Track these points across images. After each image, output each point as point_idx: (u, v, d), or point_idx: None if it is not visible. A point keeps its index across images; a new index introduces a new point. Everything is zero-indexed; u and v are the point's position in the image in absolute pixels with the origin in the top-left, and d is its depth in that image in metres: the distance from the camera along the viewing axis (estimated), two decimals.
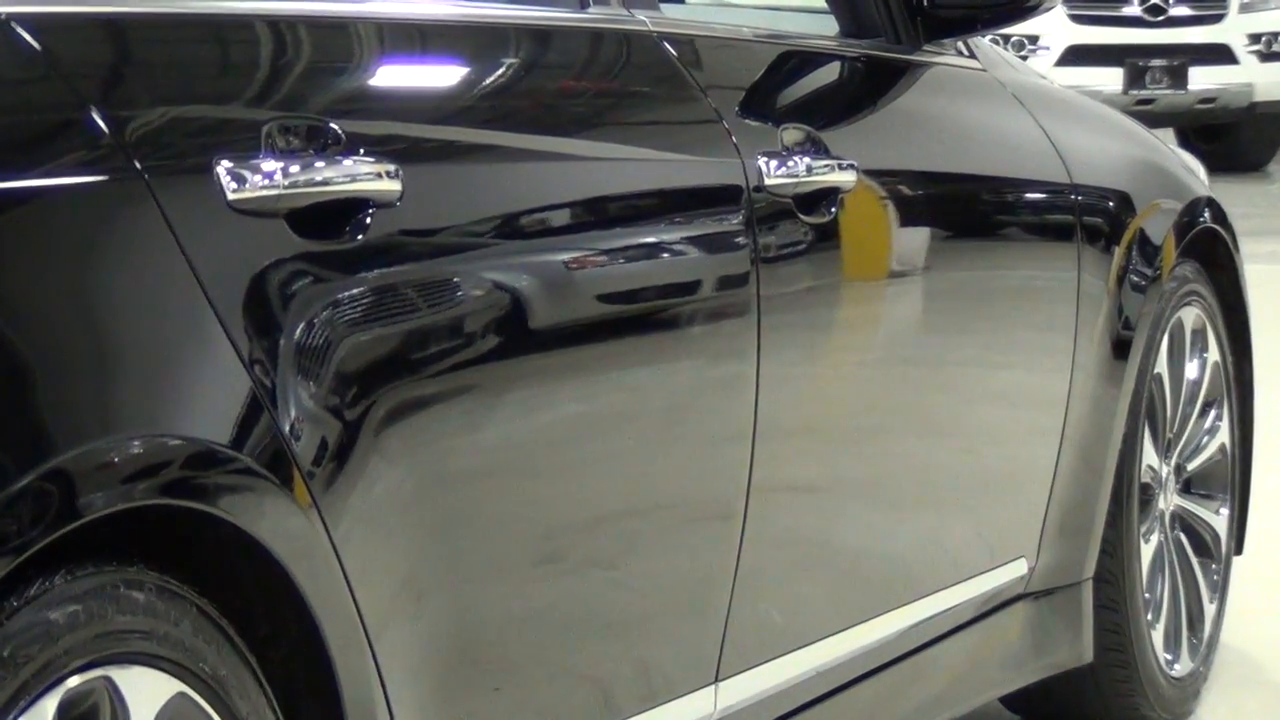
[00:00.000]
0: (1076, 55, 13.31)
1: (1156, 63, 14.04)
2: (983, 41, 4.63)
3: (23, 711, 2.41)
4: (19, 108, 2.64)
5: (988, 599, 4.45)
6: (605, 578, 3.42)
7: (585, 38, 3.65)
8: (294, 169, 2.83)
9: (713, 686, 3.60)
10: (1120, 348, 4.70)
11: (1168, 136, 5.26)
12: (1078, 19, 13.30)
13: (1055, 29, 13.17)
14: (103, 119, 2.65)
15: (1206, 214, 5.02)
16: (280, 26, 3.10)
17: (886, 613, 4.11)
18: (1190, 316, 5.01)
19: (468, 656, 3.09)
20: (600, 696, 3.43)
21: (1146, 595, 4.88)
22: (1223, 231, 5.09)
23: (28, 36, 2.63)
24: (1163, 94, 13.83)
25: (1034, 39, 12.88)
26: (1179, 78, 14.10)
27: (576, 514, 3.34)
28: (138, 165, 2.66)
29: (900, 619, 4.16)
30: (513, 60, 3.52)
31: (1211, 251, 5.07)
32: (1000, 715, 4.98)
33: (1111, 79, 13.44)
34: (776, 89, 4.00)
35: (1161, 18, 14.09)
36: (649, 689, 3.51)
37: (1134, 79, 13.83)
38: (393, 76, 3.27)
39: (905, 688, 4.24)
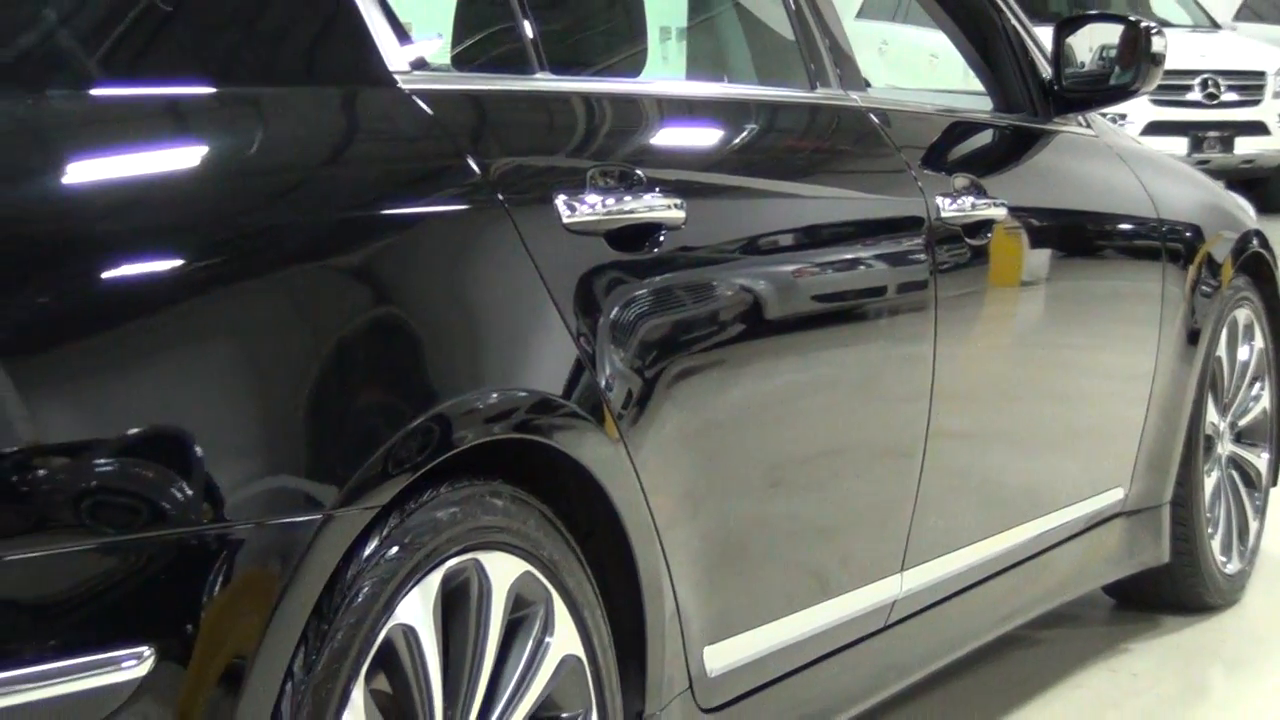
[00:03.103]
0: (1154, 128, 13.15)
1: (1212, 134, 13.92)
2: (1096, 115, 4.56)
3: (417, 582, 2.42)
4: (418, 156, 2.66)
5: (1093, 516, 4.39)
6: (823, 496, 3.39)
7: (813, 109, 3.61)
8: (610, 201, 2.82)
9: (899, 575, 3.58)
10: (1192, 337, 4.62)
11: (1219, 185, 5.21)
12: (1156, 102, 13.15)
13: (1139, 109, 13.03)
14: (475, 164, 2.66)
15: (1255, 241, 4.94)
16: (591, 99, 3.10)
17: (1021, 525, 4.06)
18: (1243, 315, 4.93)
19: (725, 549, 3.07)
20: (818, 580, 3.40)
21: (1208, 515, 4.80)
22: (1266, 255, 5.00)
23: (423, 105, 2.64)
24: (1216, 156, 13.68)
25: (1123, 116, 12.71)
26: (1228, 145, 13.98)
27: (802, 450, 3.31)
28: (500, 198, 2.65)
29: (1030, 529, 4.10)
30: (761, 125, 3.50)
31: (1258, 269, 4.98)
32: (1101, 599, 4.92)
33: (1179, 145, 13.30)
34: (949, 148, 3.95)
35: (1216, 102, 13.97)
36: (853, 575, 3.48)
37: (1195, 145, 13.72)
38: (675, 137, 3.25)
39: (1034, 578, 4.18)
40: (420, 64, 2.68)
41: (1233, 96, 14.09)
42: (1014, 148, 4.23)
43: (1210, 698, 4.44)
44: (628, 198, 2.86)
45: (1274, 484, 5.14)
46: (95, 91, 2.30)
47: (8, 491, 2.01)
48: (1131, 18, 4.36)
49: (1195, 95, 13.91)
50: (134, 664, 2.06)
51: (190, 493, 2.12)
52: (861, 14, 13.32)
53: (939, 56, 11.71)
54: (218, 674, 2.14)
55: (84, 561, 2.05)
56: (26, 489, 2.02)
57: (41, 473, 2.03)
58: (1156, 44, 4.28)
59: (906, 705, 4.11)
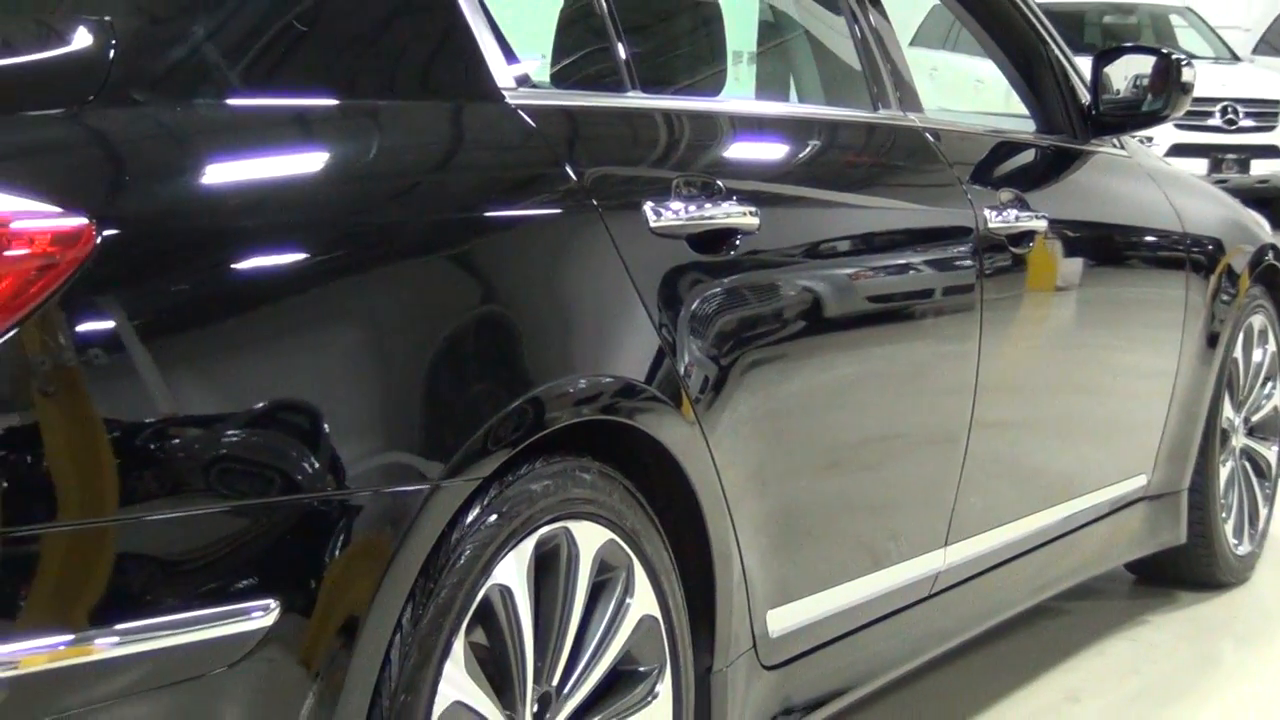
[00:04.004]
0: (1178, 150, 13.03)
1: (1230, 156, 13.82)
2: (1128, 138, 4.53)
3: (513, 547, 2.43)
4: (521, 164, 2.65)
5: (1119, 500, 4.35)
6: (876, 477, 3.37)
7: (875, 128, 3.59)
8: (693, 208, 2.81)
9: (943, 549, 3.56)
10: (1211, 340, 4.58)
11: (1238, 202, 5.20)
12: (1180, 126, 13.02)
13: (1164, 132, 12.93)
14: (572, 171, 2.65)
15: (1270, 254, 4.89)
16: (676, 116, 3.09)
17: (1053, 506, 4.04)
18: (1258, 321, 4.88)
19: (787, 522, 3.06)
20: (870, 552, 3.38)
21: (1223, 501, 4.77)
22: None
23: (527, 118, 2.64)
24: (1233, 176, 13.56)
25: (1149, 138, 12.62)
26: (1244, 166, 13.88)
27: (858, 435, 3.29)
28: (594, 203, 2.65)
29: (1062, 510, 4.08)
30: (827, 142, 3.48)
31: (1273, 279, 4.93)
32: (1124, 575, 4.90)
33: (1200, 166, 13.20)
34: (996, 165, 3.92)
35: (1234, 127, 13.88)
36: (901, 549, 3.46)
37: (1214, 166, 13.62)
38: (751, 151, 3.24)
39: (1064, 555, 4.16)
40: (525, 81, 2.68)
41: (1249, 122, 13.99)
42: (1054, 166, 4.20)
43: (1221, 666, 4.41)
44: (708, 205, 2.85)
45: None
46: (233, 101, 2.31)
47: (152, 459, 2.02)
48: (1164, 50, 4.33)
49: (1215, 121, 13.83)
50: (261, 615, 2.07)
51: (317, 464, 2.13)
52: (915, 42, 13.26)
53: (983, 82, 11.68)
54: (336, 625, 2.15)
55: (220, 523, 2.06)
56: (167, 457, 2.03)
57: (183, 443, 2.04)
58: (1186, 74, 4.24)
59: (946, 667, 4.09)
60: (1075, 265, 4.05)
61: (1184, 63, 4.25)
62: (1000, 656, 4.28)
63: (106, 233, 2.00)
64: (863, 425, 3.29)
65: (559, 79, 3.15)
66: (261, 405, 2.11)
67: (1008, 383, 3.73)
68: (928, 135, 3.64)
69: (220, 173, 2.22)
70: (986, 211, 3.63)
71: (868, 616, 3.38)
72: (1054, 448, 4.06)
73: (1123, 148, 4.47)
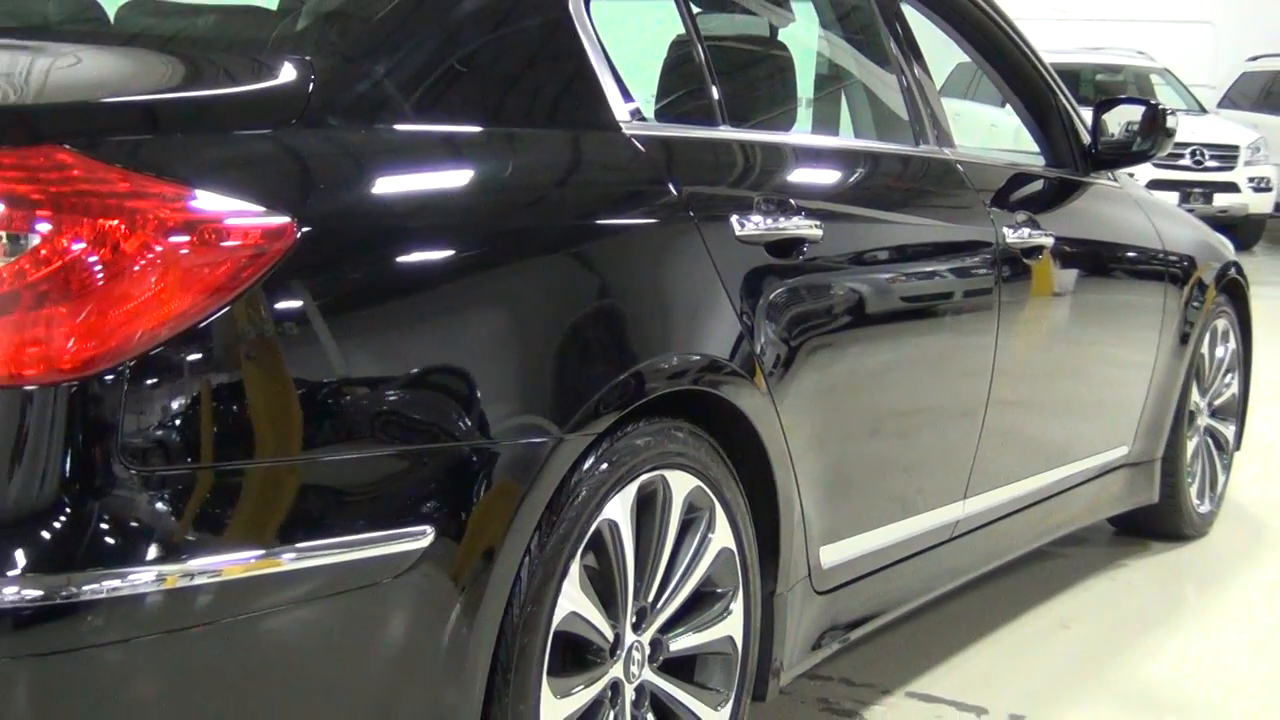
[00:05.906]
0: (1153, 184, 12.87)
1: (1197, 190, 13.70)
2: (1120, 173, 4.47)
3: (619, 490, 2.42)
4: (632, 182, 2.63)
5: (1104, 466, 4.30)
6: (909, 442, 3.34)
7: (916, 160, 3.55)
8: (769, 221, 2.79)
9: (962, 501, 3.53)
10: (1183, 338, 4.52)
11: (1208, 227, 5.16)
12: (1156, 165, 12.87)
13: (1143, 170, 12.79)
14: (673, 189, 2.63)
15: (1233, 269, 4.82)
16: (758, 146, 3.05)
17: (1051, 469, 3.99)
18: (1221, 324, 4.81)
19: (838, 476, 3.03)
20: (902, 503, 3.35)
21: (1189, 469, 4.71)
22: (1241, 280, 4.88)
23: (638, 145, 2.62)
24: (1199, 207, 13.43)
25: (1132, 174, 12.48)
26: (1209, 199, 13.74)
27: (896, 408, 3.26)
28: (691, 214, 2.63)
29: (1058, 473, 4.02)
30: (878, 170, 3.43)
31: (1234, 290, 4.87)
32: (1106, 527, 4.85)
33: (1172, 198, 13.05)
34: (1012, 191, 3.86)
35: (1200, 167, 13.76)
36: (928, 500, 3.43)
37: (1184, 198, 13.48)
38: (817, 175, 3.20)
39: (1058, 509, 4.11)
40: (637, 115, 2.66)
41: (1214, 163, 13.88)
42: (1060, 194, 4.14)
43: (1185, 603, 4.35)
44: (782, 219, 2.82)
45: (1238, 448, 5.04)
46: (403, 127, 2.30)
47: (332, 412, 2.02)
48: (1152, 102, 4.27)
49: (1186, 161, 13.73)
50: (420, 538, 2.07)
51: (467, 420, 2.13)
52: (941, 92, 13.16)
53: (996, 125, 11.61)
54: (479, 549, 2.15)
55: (387, 464, 2.06)
56: (345, 410, 2.03)
57: (357, 399, 2.04)
58: (1170, 122, 4.19)
59: (960, 598, 4.06)
60: (1075, 274, 3.99)
61: (1169, 112, 4.20)
62: (1005, 590, 4.24)
63: (304, 229, 2.01)
64: (900, 400, 3.26)
65: (662, 114, 3.12)
66: (422, 371, 2.11)
67: (1018, 368, 3.68)
68: (958, 166, 3.60)
69: (392, 184, 2.21)
70: (1004, 229, 3.58)
71: (899, 555, 3.35)
72: (1053, 422, 4.01)
73: (1115, 180, 4.41)
